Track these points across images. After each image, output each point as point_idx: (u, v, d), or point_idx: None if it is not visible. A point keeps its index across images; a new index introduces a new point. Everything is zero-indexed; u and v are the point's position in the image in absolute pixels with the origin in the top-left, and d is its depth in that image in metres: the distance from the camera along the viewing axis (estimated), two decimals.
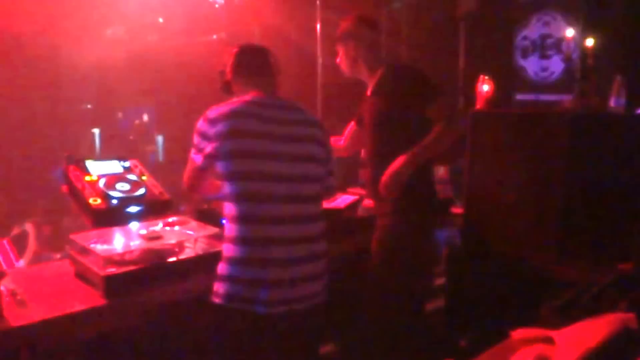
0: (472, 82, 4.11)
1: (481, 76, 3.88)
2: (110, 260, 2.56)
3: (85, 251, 2.68)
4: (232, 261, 2.48)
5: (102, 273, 2.48)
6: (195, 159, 2.60)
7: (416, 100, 3.14)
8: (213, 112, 2.55)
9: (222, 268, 2.52)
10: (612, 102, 3.51)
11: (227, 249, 2.51)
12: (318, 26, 6.13)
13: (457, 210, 4.05)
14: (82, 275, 2.69)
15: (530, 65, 5.30)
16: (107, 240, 2.74)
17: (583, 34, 4.52)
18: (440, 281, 4.33)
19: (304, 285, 2.55)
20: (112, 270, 2.52)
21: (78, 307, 2.40)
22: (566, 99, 4.82)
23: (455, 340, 3.80)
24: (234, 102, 2.61)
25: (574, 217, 3.43)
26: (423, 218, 3.26)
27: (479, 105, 3.88)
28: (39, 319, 2.28)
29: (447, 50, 5.95)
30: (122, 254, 2.61)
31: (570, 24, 4.75)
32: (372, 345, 3.29)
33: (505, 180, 3.69)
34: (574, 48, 4.39)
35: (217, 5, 6.24)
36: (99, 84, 7.25)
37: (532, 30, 5.29)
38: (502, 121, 3.74)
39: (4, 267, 2.59)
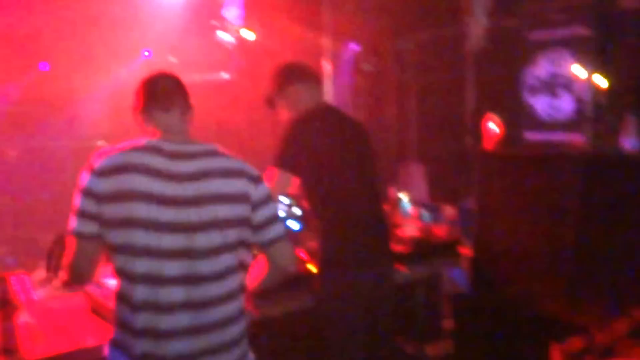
0: (479, 120, 4.08)
1: (489, 115, 3.84)
2: None
3: (99, 286, 2.68)
4: (118, 344, 2.03)
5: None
6: (76, 226, 1.98)
7: None
8: (100, 161, 1.98)
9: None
10: (624, 143, 3.45)
11: (115, 331, 2.06)
12: (325, 64, 6.15)
13: (464, 250, 3.97)
14: (96, 310, 2.68)
15: (540, 104, 5.24)
16: None
17: (594, 72, 4.48)
18: (447, 324, 4.24)
19: None
20: None
21: (91, 342, 2.40)
22: (576, 138, 4.78)
23: None
24: (124, 146, 2.03)
25: (587, 262, 3.36)
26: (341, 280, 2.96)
27: (487, 145, 3.83)
28: (54, 354, 2.30)
29: (455, 88, 5.93)
30: None
31: (580, 63, 4.73)
32: None
33: (514, 222, 3.62)
34: (584, 87, 4.36)
35: (229, 47, 6.29)
36: (113, 121, 7.29)
37: (542, 68, 5.25)
38: (512, 162, 3.69)
39: (21, 300, 2.55)
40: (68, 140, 6.57)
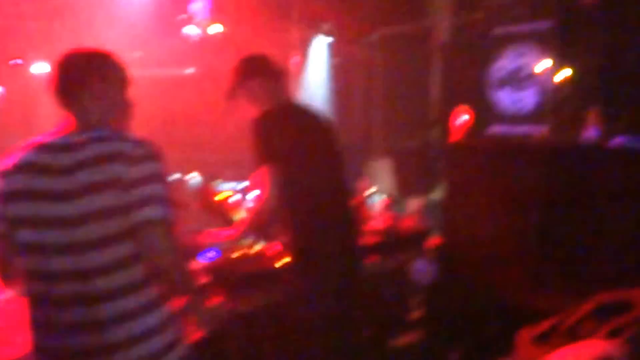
0: (446, 113, 4.12)
1: (459, 107, 3.89)
2: None
3: None
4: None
5: None
6: None
7: None
8: (7, 161, 1.96)
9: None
10: (587, 133, 3.53)
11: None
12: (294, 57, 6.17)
13: (433, 242, 4.02)
14: None
15: (505, 97, 5.34)
16: None
17: (557, 65, 4.58)
18: (415, 314, 4.27)
19: None
20: None
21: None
22: (540, 130, 4.87)
23: None
24: (30, 144, 1.97)
25: (551, 248, 3.43)
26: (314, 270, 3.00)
27: (456, 136, 3.88)
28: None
29: (421, 82, 5.99)
30: None
31: (544, 56, 4.82)
32: None
33: (481, 212, 3.68)
34: (548, 80, 4.44)
35: (191, 40, 6.25)
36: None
37: (507, 61, 5.34)
38: (480, 153, 3.74)
39: None
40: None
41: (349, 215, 3.20)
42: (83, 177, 1.88)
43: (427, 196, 4.66)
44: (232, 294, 2.96)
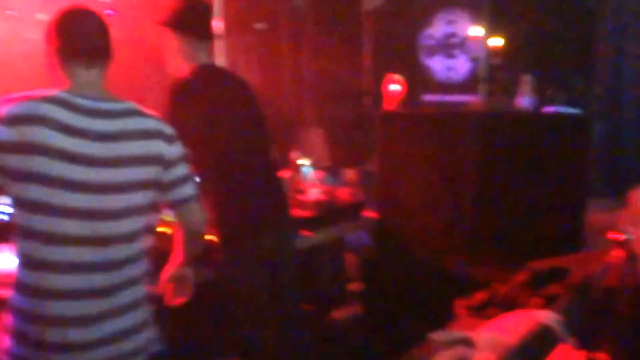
0: (377, 82, 4.07)
1: (390, 75, 3.84)
2: None
3: None
4: (16, 313, 1.91)
5: None
6: None
7: None
8: (5, 108, 1.83)
9: (6, 318, 1.93)
10: (520, 102, 3.53)
11: (12, 297, 1.93)
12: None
13: (369, 213, 3.99)
14: None
15: (436, 65, 5.33)
16: None
17: (488, 33, 4.59)
18: (353, 287, 4.27)
19: (106, 348, 1.94)
20: None
21: None
22: (472, 99, 4.89)
23: (370, 346, 3.75)
24: (33, 95, 1.87)
25: (485, 218, 3.46)
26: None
27: (388, 105, 3.83)
28: None
29: (352, 48, 5.92)
30: None
31: (475, 23, 4.82)
32: None
33: (416, 182, 3.67)
34: (479, 47, 4.44)
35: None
36: None
37: (437, 29, 5.32)
38: (413, 122, 3.73)
39: None
40: None
41: (277, 186, 3.10)
42: (127, 148, 1.95)
43: (360, 167, 4.62)
44: (155, 275, 2.83)
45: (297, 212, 3.53)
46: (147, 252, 2.08)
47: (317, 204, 3.76)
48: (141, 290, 2.06)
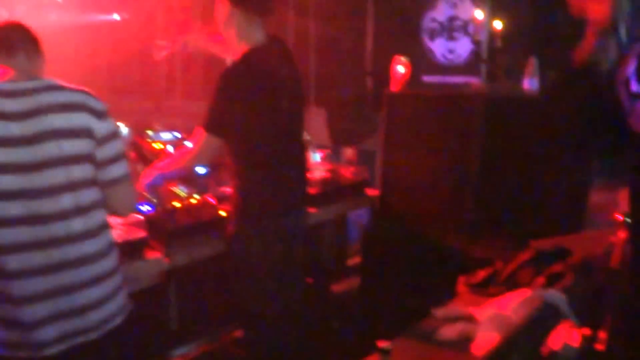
0: (379, 63, 4.08)
1: (396, 57, 3.85)
2: None
3: None
4: None
5: None
6: None
7: None
8: None
9: None
10: (525, 84, 3.56)
11: None
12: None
13: (372, 191, 4.02)
14: None
15: (438, 47, 5.35)
16: None
17: (490, 15, 4.60)
18: (353, 261, 4.31)
19: (71, 321, 1.98)
20: None
21: None
22: (473, 81, 4.91)
23: (370, 321, 3.79)
24: None
25: (488, 196, 3.49)
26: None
27: (394, 86, 3.85)
28: None
29: (354, 30, 5.92)
30: None
31: (477, 6, 4.83)
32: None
33: (419, 162, 3.69)
34: (481, 30, 4.45)
35: None
36: None
37: (440, 11, 5.34)
38: (418, 103, 3.74)
39: None
40: None
41: (304, 167, 3.13)
42: (47, 122, 1.91)
43: (358, 146, 4.65)
44: (170, 247, 2.86)
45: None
46: (105, 227, 2.08)
47: (322, 181, 3.79)
48: (102, 265, 2.05)
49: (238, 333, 3.25)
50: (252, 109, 2.76)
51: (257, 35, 2.84)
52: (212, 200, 3.21)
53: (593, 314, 2.61)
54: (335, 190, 3.79)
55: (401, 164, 3.79)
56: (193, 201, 3.19)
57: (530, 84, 3.53)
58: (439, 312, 2.61)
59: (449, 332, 2.46)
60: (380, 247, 3.91)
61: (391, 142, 3.82)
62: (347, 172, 3.96)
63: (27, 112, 1.90)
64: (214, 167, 3.45)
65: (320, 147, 4.44)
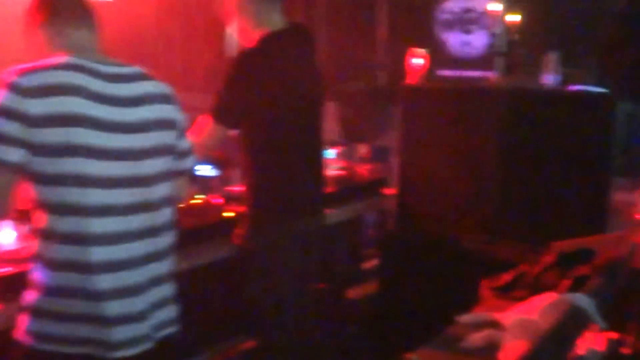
0: (392, 56, 4.01)
1: (413, 49, 3.77)
2: None
3: None
4: (48, 291, 1.81)
5: None
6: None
7: None
8: (25, 78, 1.71)
9: (31, 297, 1.84)
10: (545, 79, 3.48)
11: (42, 275, 1.81)
12: None
13: (389, 191, 3.94)
14: None
15: (452, 40, 5.27)
16: None
17: (506, 8, 4.51)
18: (369, 264, 4.21)
19: (153, 315, 1.94)
20: None
21: None
22: (489, 75, 4.82)
23: (389, 327, 3.72)
24: (48, 64, 1.77)
25: (510, 196, 3.42)
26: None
27: (411, 79, 3.76)
28: None
29: (367, 24, 5.83)
30: None
31: None
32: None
33: (438, 159, 3.62)
34: (497, 23, 4.37)
35: None
36: None
37: (454, 3, 5.26)
38: (436, 97, 3.66)
39: None
40: None
41: (321, 166, 3.01)
42: (152, 111, 1.92)
43: (372, 143, 4.56)
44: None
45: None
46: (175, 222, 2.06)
47: (337, 180, 3.72)
48: (172, 260, 2.04)
49: (248, 344, 3.10)
50: (265, 98, 2.61)
51: (275, 19, 2.71)
52: (217, 201, 3.11)
53: (619, 317, 2.55)
54: (350, 189, 3.72)
55: (420, 162, 3.71)
56: (198, 201, 3.08)
57: (550, 79, 3.45)
58: (464, 318, 2.55)
59: (475, 339, 2.40)
60: (399, 248, 3.83)
61: (410, 139, 3.74)
62: (363, 170, 3.89)
63: (133, 99, 1.88)
64: (222, 165, 3.34)
65: (332, 143, 4.37)
